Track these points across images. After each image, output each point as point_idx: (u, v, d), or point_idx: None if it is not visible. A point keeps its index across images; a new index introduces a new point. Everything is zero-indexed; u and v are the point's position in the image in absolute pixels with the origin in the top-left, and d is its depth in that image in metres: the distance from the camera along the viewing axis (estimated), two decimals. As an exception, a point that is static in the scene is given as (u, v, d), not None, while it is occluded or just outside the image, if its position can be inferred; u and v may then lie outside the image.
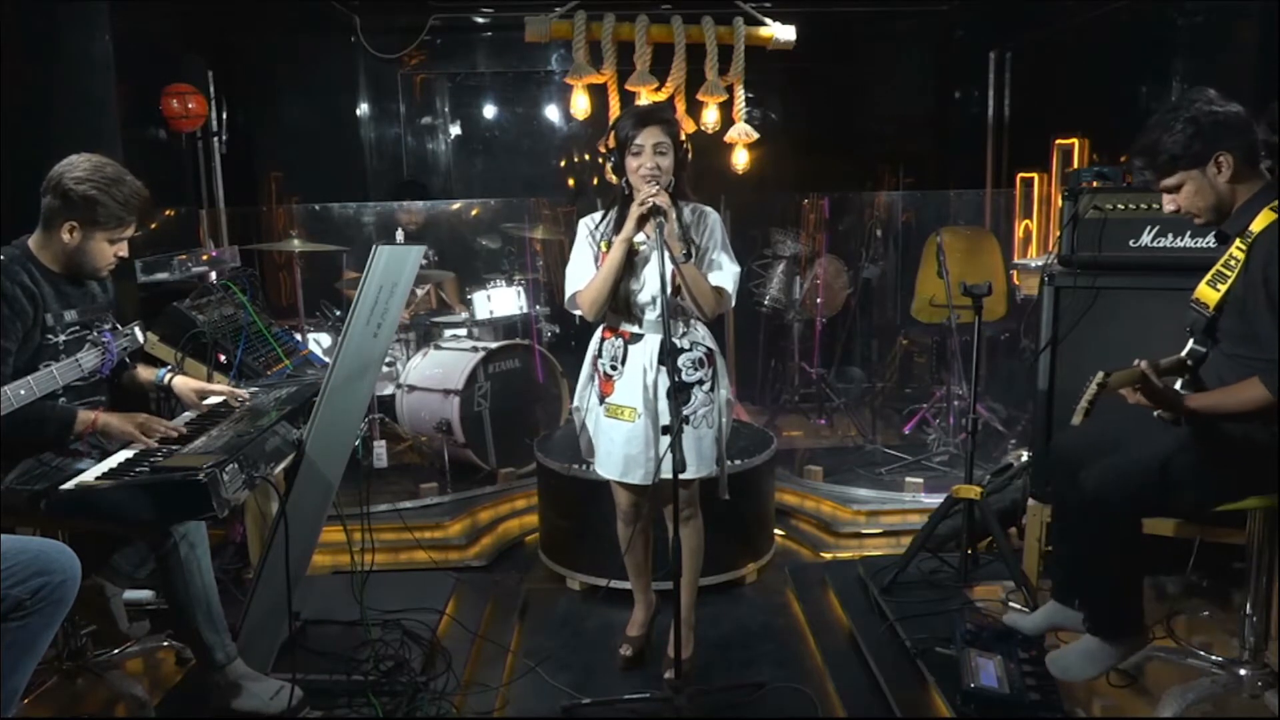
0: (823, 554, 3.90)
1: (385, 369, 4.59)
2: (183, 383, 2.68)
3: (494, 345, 4.56)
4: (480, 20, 6.45)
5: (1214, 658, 2.60)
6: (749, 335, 5.63)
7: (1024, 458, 3.65)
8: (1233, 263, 2.24)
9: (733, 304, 2.78)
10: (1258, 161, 2.26)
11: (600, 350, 2.81)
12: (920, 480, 4.22)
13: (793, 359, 5.59)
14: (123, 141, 3.54)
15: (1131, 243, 2.98)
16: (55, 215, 2.35)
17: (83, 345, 2.31)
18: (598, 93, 4.50)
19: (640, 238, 2.66)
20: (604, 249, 2.72)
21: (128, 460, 2.23)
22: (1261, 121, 2.28)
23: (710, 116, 4.53)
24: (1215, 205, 2.27)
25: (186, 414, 2.62)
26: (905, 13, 6.47)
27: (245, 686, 2.48)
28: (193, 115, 4.59)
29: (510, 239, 5.45)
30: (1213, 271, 2.31)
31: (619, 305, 2.74)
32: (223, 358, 3.03)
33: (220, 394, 2.69)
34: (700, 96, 4.46)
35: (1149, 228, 2.95)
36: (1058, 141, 4.73)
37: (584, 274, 2.75)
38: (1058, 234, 3.14)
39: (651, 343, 2.72)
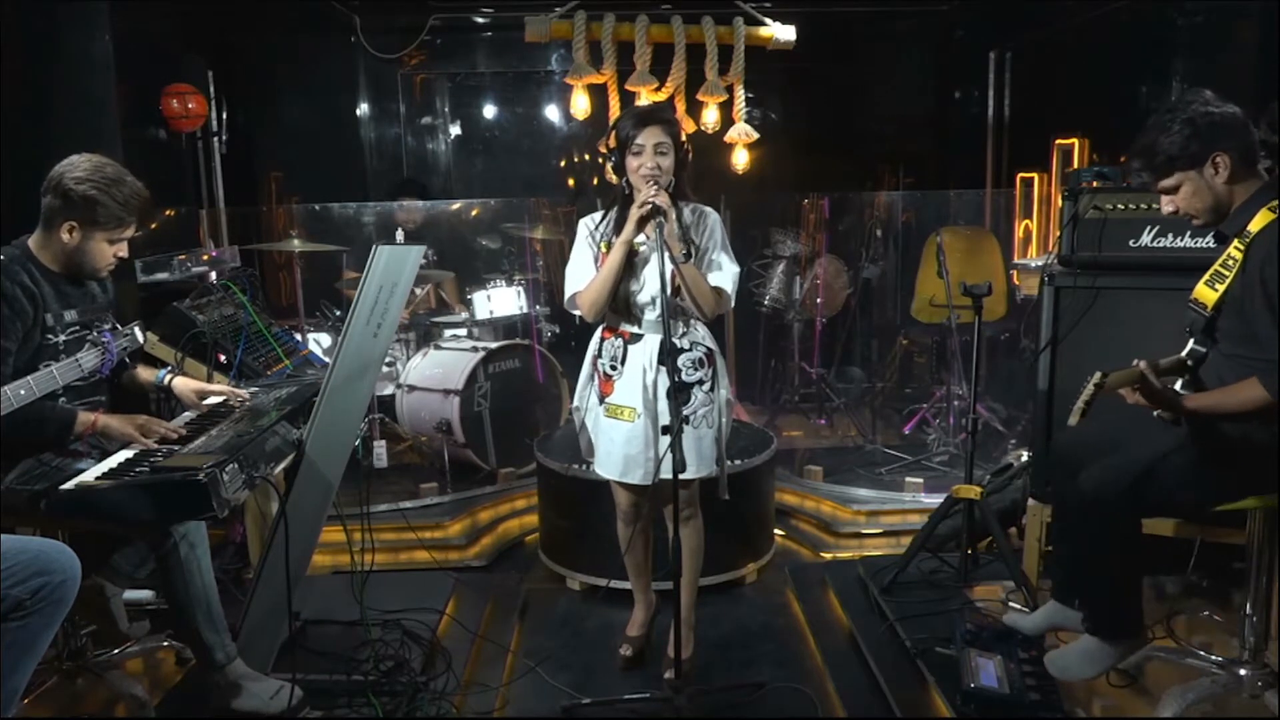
0: (823, 554, 3.90)
1: (385, 369, 4.59)
2: (183, 383, 2.68)
3: (494, 345, 4.56)
4: (480, 20, 6.44)
5: (1214, 658, 2.60)
6: (749, 335, 5.62)
7: (1024, 458, 3.65)
8: (1231, 263, 2.24)
9: (732, 304, 2.78)
10: (1255, 162, 2.26)
11: (600, 350, 2.81)
12: (920, 480, 4.22)
13: (793, 359, 5.59)
14: (123, 141, 3.53)
15: (1131, 243, 2.98)
16: (55, 215, 2.35)
17: (83, 345, 2.31)
18: (598, 93, 4.50)
19: (640, 238, 2.65)
20: (604, 249, 2.72)
21: (128, 460, 2.23)
22: (1261, 121, 2.28)
23: (710, 116, 4.53)
24: (1213, 206, 2.27)
25: (186, 414, 2.62)
26: (905, 13, 6.47)
27: (245, 686, 2.48)
28: (193, 115, 4.60)
29: (510, 239, 5.45)
30: (1211, 271, 2.31)
31: (619, 305, 2.74)
32: (223, 358, 3.03)
33: (220, 394, 2.69)
34: (700, 96, 4.46)
35: (1149, 228, 2.95)
36: (1058, 141, 4.73)
37: (584, 274, 2.75)
38: (1058, 234, 3.14)
39: (651, 343, 2.72)
